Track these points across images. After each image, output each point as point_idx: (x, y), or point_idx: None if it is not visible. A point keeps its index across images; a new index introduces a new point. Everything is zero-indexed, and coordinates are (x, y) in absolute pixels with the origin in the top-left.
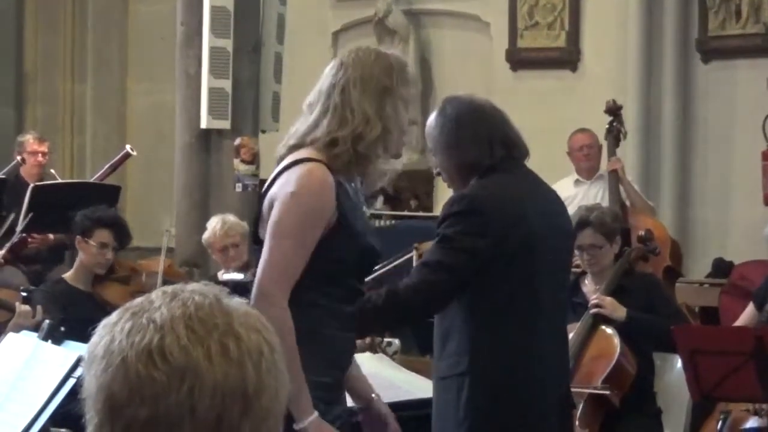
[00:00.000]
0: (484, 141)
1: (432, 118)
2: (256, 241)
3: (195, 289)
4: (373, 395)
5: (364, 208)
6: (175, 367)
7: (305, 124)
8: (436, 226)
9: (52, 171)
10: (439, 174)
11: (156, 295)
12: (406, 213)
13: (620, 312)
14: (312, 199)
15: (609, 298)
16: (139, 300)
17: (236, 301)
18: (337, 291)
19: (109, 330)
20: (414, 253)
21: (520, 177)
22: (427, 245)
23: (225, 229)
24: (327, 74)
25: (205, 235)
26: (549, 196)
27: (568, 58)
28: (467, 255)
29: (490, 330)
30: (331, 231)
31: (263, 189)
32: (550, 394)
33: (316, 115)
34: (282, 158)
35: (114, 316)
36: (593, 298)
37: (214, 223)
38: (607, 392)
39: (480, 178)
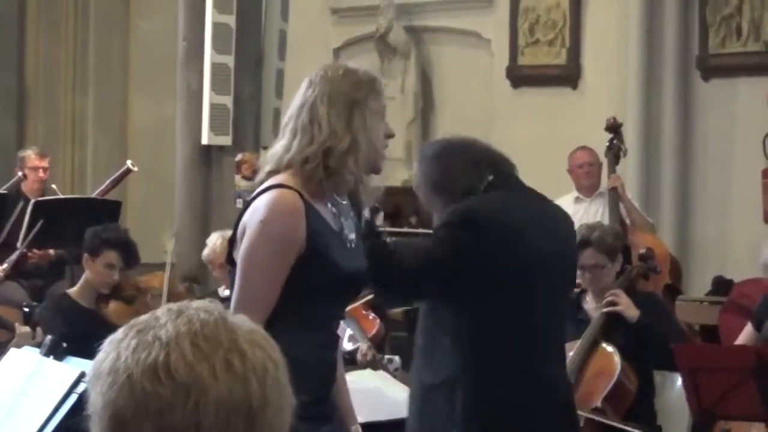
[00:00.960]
0: (468, 166)
1: (414, 170)
2: (230, 262)
3: (200, 306)
4: (353, 428)
5: (346, 232)
6: (180, 384)
7: (277, 149)
8: (432, 233)
9: (54, 186)
10: (435, 218)
11: (161, 312)
12: (406, 230)
13: (634, 312)
14: (280, 227)
15: (625, 296)
16: (144, 317)
17: (241, 318)
18: (310, 318)
19: (114, 347)
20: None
21: (515, 191)
22: None
23: (225, 245)
24: (297, 95)
25: (205, 252)
26: (549, 209)
27: (568, 75)
28: (454, 257)
29: (483, 337)
30: (301, 258)
31: (239, 214)
32: (546, 403)
33: (288, 136)
34: (258, 185)
35: (120, 332)
36: (609, 293)
37: (214, 240)
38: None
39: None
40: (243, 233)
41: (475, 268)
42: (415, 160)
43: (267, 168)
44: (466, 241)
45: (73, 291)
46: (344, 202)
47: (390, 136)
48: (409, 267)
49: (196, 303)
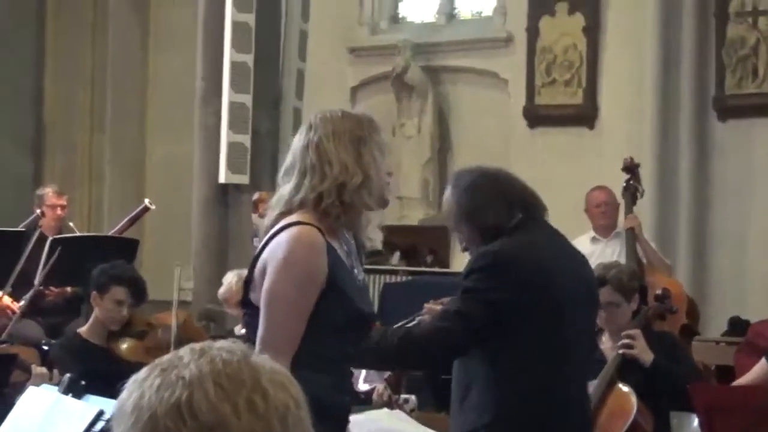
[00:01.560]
0: (501, 203)
1: (446, 195)
2: (244, 304)
3: (223, 346)
4: None
5: (356, 271)
6: (203, 423)
7: (286, 190)
8: (462, 280)
9: (71, 224)
10: (466, 249)
11: (185, 351)
12: (422, 269)
13: (648, 356)
14: (304, 263)
15: (641, 339)
16: (168, 356)
17: (263, 358)
18: (328, 354)
19: (138, 386)
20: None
21: (543, 234)
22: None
23: (241, 284)
24: (297, 140)
25: (221, 290)
26: (572, 252)
27: (585, 115)
28: (486, 307)
29: (515, 382)
30: (322, 295)
31: (255, 255)
32: None
33: (296, 178)
34: (269, 229)
35: (143, 372)
36: (625, 333)
37: (229, 279)
38: None
39: (504, 237)
40: (262, 272)
41: (505, 315)
42: (449, 183)
43: (277, 211)
44: (494, 287)
45: (83, 330)
46: (352, 242)
47: (389, 173)
48: (448, 329)
49: (219, 343)
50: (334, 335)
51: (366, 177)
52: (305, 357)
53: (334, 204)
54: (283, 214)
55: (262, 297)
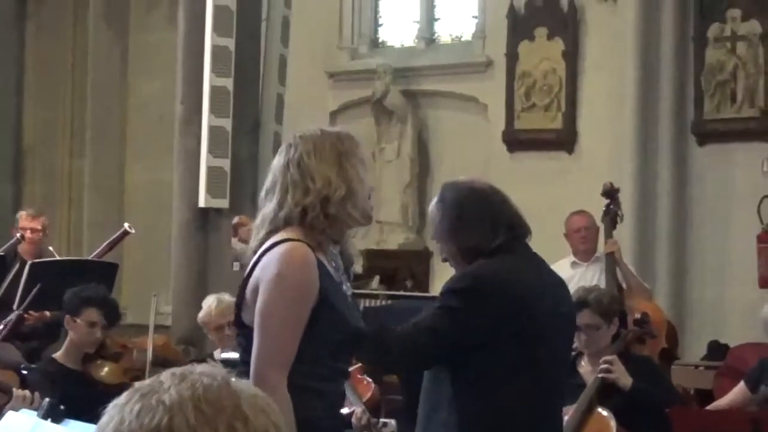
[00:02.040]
0: (486, 224)
1: (432, 206)
2: (238, 325)
3: (204, 371)
4: None
5: (345, 287)
6: None
7: (269, 209)
8: (439, 294)
9: (51, 248)
10: (446, 260)
11: (165, 376)
12: (402, 293)
13: (627, 380)
14: (297, 278)
15: (620, 364)
16: (148, 381)
17: (244, 383)
18: (322, 372)
19: (118, 410)
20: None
21: (524, 257)
22: None
23: (221, 308)
24: (276, 160)
25: (201, 314)
26: (551, 276)
27: (564, 140)
28: (458, 329)
29: (484, 405)
30: (315, 311)
31: (245, 274)
32: None
33: (278, 196)
34: (257, 249)
35: (123, 397)
36: (603, 359)
37: (209, 303)
38: None
39: (485, 258)
40: (254, 292)
41: (478, 339)
42: (438, 194)
43: (263, 231)
44: (471, 311)
45: (59, 354)
46: (338, 258)
47: (371, 188)
48: (416, 340)
49: (200, 367)
50: (328, 352)
51: (349, 190)
52: (299, 375)
53: (319, 217)
54: (270, 233)
55: (255, 316)
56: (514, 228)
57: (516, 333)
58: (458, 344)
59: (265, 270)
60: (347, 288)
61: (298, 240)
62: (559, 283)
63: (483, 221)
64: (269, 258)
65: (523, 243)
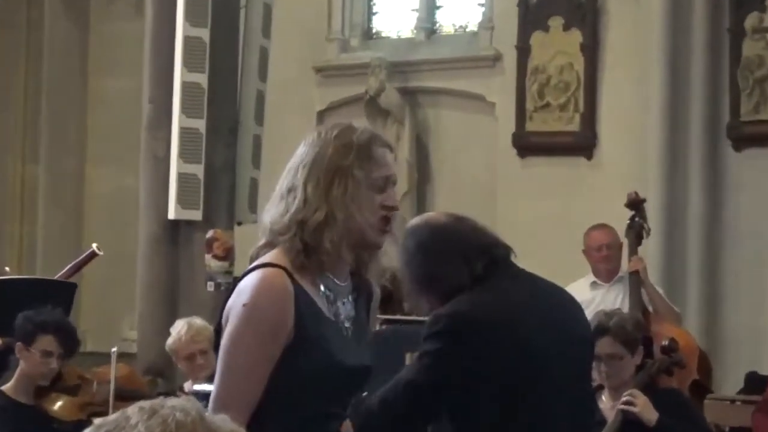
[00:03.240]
0: (458, 259)
1: (399, 257)
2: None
3: (176, 405)
4: None
5: (343, 317)
6: None
7: (274, 215)
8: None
9: (7, 269)
10: (427, 312)
11: (132, 411)
12: (399, 317)
13: (651, 415)
14: (266, 310)
15: (643, 397)
16: (113, 416)
17: (220, 419)
18: (303, 414)
19: None
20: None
21: (509, 281)
22: None
23: (191, 334)
24: (300, 150)
25: (169, 341)
26: (554, 297)
27: (582, 144)
28: (440, 379)
29: None
30: (288, 348)
31: (225, 297)
32: None
33: (274, 203)
34: (253, 260)
35: None
36: (626, 393)
37: (179, 328)
38: None
39: (463, 295)
40: (227, 318)
41: (467, 383)
42: (396, 245)
43: (262, 240)
44: (450, 355)
45: (7, 387)
46: (343, 284)
47: (389, 207)
48: (398, 409)
49: (172, 401)
50: (310, 392)
51: (329, 216)
52: (275, 423)
53: (294, 242)
54: (265, 247)
55: (221, 345)
56: (490, 248)
57: (502, 375)
58: (444, 394)
59: (236, 298)
60: (346, 319)
61: (277, 266)
62: (565, 303)
63: (453, 260)
64: (243, 284)
65: (504, 263)
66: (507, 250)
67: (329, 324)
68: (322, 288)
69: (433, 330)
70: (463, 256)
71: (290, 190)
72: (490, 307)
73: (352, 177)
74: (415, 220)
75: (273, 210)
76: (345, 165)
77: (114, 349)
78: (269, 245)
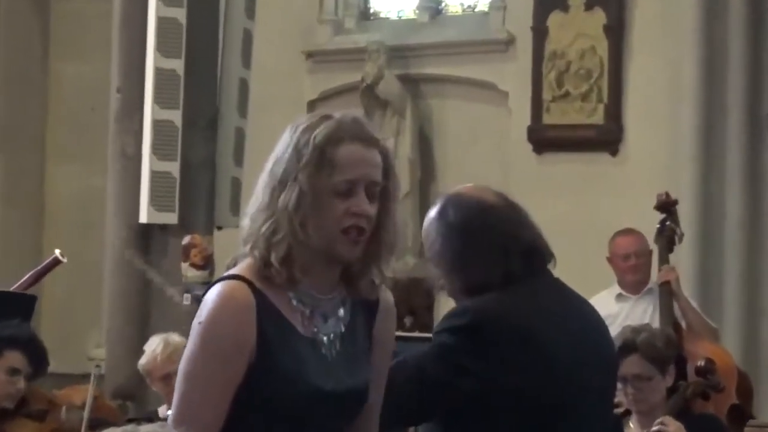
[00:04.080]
0: (498, 255)
1: (430, 221)
2: None
3: (149, 431)
4: None
5: (322, 336)
6: None
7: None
8: (433, 335)
9: None
10: (442, 287)
11: None
12: (399, 333)
13: None
14: (221, 329)
15: (676, 424)
16: None
17: None
18: None
19: None
20: None
21: (543, 289)
22: None
23: (168, 352)
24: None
25: (143, 361)
26: (582, 311)
27: (606, 138)
28: (452, 373)
29: None
30: (251, 369)
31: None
32: None
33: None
34: (228, 270)
35: None
36: (657, 421)
37: (154, 346)
38: None
39: (493, 293)
40: None
41: (478, 389)
42: (435, 207)
43: (242, 248)
44: (470, 353)
45: None
46: (326, 297)
47: (357, 215)
48: (402, 390)
49: (145, 427)
50: (278, 419)
51: (276, 230)
52: None
53: (253, 253)
54: (245, 255)
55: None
56: (533, 254)
57: (530, 384)
58: (452, 395)
59: (198, 314)
60: (327, 337)
61: (239, 278)
62: (594, 322)
63: (494, 251)
64: (204, 299)
65: (542, 272)
66: (549, 255)
67: (303, 342)
68: (294, 302)
69: (456, 323)
70: (505, 251)
71: (256, 195)
72: (521, 313)
73: (298, 184)
74: (463, 190)
75: (247, 215)
76: (301, 166)
77: (95, 369)
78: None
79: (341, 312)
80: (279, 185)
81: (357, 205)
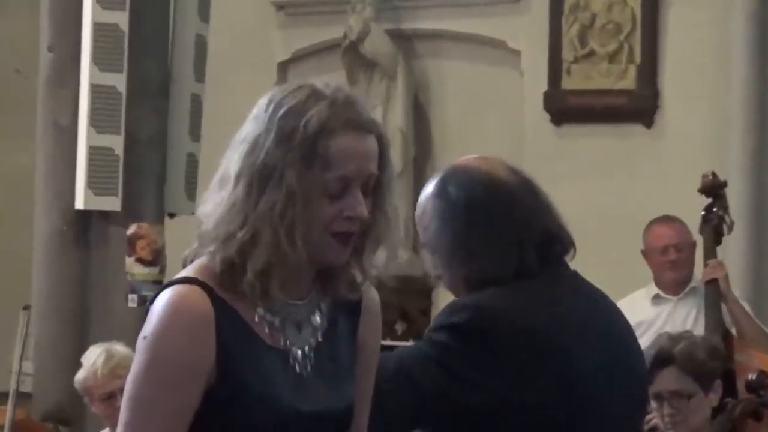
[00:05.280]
0: (511, 246)
1: (427, 199)
2: None
3: None
4: None
5: (295, 349)
6: None
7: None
8: (426, 333)
9: None
10: (439, 278)
11: None
12: (390, 342)
13: None
14: (171, 346)
15: None
16: None
17: None
18: None
19: None
20: None
21: (559, 285)
22: None
23: (111, 366)
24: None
25: (80, 376)
26: (606, 314)
27: (639, 107)
28: (447, 381)
29: None
30: (212, 391)
31: None
32: None
33: (215, 197)
34: (185, 266)
35: None
36: None
37: (93, 358)
38: None
39: (500, 288)
40: None
41: (478, 402)
42: (434, 182)
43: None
44: (469, 357)
45: None
46: (298, 302)
47: (349, 218)
48: (383, 400)
49: None
50: None
51: (256, 236)
52: None
53: (215, 257)
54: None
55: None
56: (551, 244)
57: (542, 398)
58: (445, 407)
59: (144, 325)
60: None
61: (194, 282)
62: (618, 323)
63: (505, 240)
64: (151, 308)
65: (560, 263)
66: (569, 245)
67: (272, 357)
68: (260, 311)
69: (454, 320)
70: (519, 241)
71: (223, 180)
72: (534, 315)
73: (285, 183)
74: (467, 161)
75: (207, 200)
76: (288, 161)
77: (16, 385)
78: (204, 245)
79: (317, 319)
80: (259, 180)
81: (351, 208)
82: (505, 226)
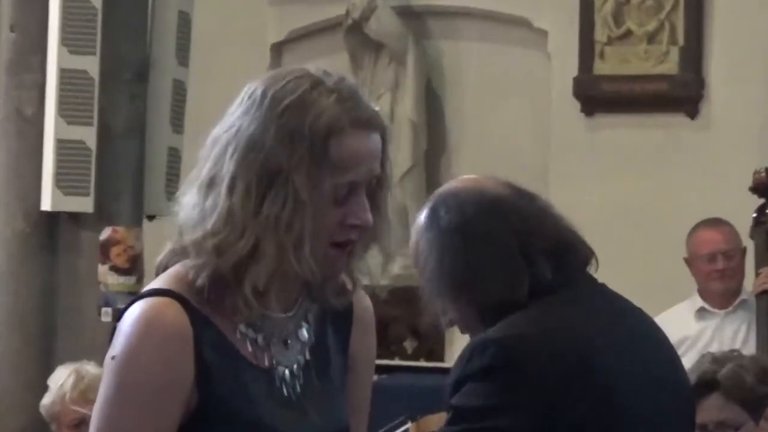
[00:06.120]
0: (517, 258)
1: (419, 232)
2: None
3: None
4: None
5: (282, 368)
6: None
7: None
8: (449, 392)
9: None
10: (452, 322)
11: None
12: (398, 362)
13: None
14: (141, 368)
15: None
16: None
17: None
18: None
19: None
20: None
21: (583, 300)
22: (431, 421)
23: (81, 388)
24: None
25: (47, 400)
26: (640, 329)
27: (682, 95)
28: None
29: None
30: (191, 415)
31: None
32: None
33: (198, 198)
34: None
35: None
36: None
37: (61, 380)
38: None
39: (517, 313)
40: None
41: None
42: (424, 214)
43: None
44: (509, 408)
45: None
46: (282, 315)
47: (352, 227)
48: None
49: None
50: None
51: (257, 248)
52: None
53: (202, 271)
54: (178, 254)
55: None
56: (566, 252)
57: (579, 426)
58: None
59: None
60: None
61: (169, 294)
62: (657, 338)
63: (511, 254)
64: (119, 324)
65: (581, 275)
66: (588, 253)
67: (256, 376)
68: (242, 327)
69: (475, 367)
70: (524, 252)
71: (212, 182)
72: (566, 334)
73: (292, 188)
74: (454, 184)
75: (190, 203)
76: (293, 163)
77: None
78: (183, 252)
79: (304, 333)
80: (258, 185)
81: (356, 215)
82: (505, 238)
